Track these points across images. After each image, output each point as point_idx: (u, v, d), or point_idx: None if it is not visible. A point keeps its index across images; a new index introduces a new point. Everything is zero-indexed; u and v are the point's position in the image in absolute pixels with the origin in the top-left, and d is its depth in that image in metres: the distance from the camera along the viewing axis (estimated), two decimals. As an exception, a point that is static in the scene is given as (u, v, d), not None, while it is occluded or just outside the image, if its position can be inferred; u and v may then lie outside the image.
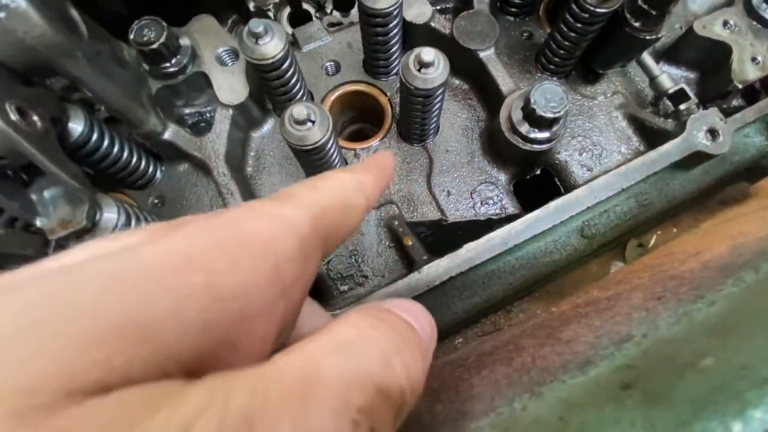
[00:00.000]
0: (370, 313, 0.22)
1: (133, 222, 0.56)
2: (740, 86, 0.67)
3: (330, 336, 0.20)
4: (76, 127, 0.57)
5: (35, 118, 0.46)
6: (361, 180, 0.28)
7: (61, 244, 0.50)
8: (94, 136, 0.59)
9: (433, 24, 0.71)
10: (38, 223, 0.48)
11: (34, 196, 0.48)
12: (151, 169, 0.70)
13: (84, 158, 0.60)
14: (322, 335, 0.20)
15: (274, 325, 0.20)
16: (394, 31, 0.66)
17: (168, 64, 0.66)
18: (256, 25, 0.56)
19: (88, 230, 0.51)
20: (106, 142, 0.61)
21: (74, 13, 0.52)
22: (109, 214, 0.53)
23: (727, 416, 0.19)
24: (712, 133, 0.63)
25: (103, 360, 0.15)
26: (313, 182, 0.26)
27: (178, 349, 0.17)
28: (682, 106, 0.68)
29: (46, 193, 0.49)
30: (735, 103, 0.76)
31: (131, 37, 0.62)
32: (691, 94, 0.68)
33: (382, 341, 0.20)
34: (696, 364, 0.24)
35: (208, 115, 0.74)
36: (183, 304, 0.17)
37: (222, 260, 0.18)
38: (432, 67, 0.56)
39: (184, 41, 0.67)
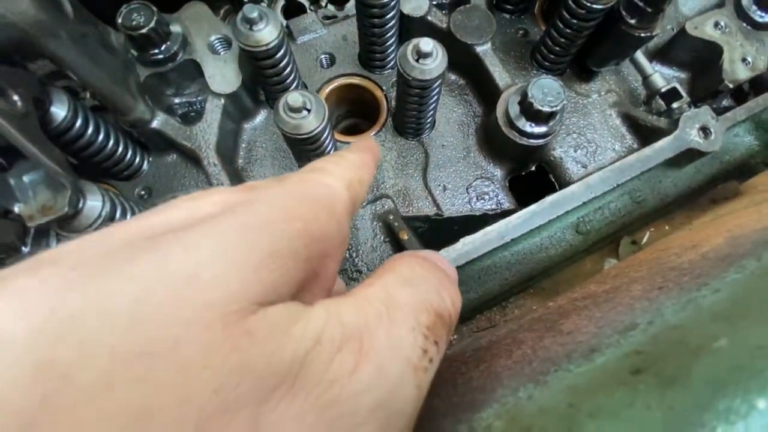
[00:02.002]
0: (415, 259, 0.28)
1: (118, 211, 0.54)
2: (731, 86, 0.68)
3: (395, 274, 0.26)
4: (59, 111, 0.55)
5: (15, 97, 0.44)
6: (364, 158, 0.33)
7: (41, 232, 0.48)
8: (78, 122, 0.57)
9: (430, 18, 0.70)
10: (17, 209, 0.45)
11: (12, 181, 0.46)
12: (137, 159, 0.67)
13: (67, 145, 0.57)
14: (388, 273, 0.26)
15: (337, 265, 0.27)
16: (391, 23, 0.66)
17: (157, 51, 0.64)
18: (251, 10, 0.54)
19: (70, 218, 0.48)
20: (90, 129, 0.59)
21: (60, -8, 0.50)
22: (93, 201, 0.51)
23: (750, 394, 0.18)
24: (705, 131, 0.64)
25: (262, 282, 0.20)
26: (334, 159, 0.31)
27: (294, 276, 0.22)
28: (675, 105, 0.69)
29: (26, 178, 0.46)
30: (725, 103, 0.77)
31: (119, 21, 0.60)
32: (683, 92, 0.68)
33: (433, 279, 0.27)
34: (709, 346, 0.24)
35: (198, 105, 0.72)
36: (295, 243, 0.22)
37: (309, 213, 0.24)
38: (430, 57, 0.56)
39: (175, 28, 0.65)
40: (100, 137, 0.61)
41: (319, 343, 0.20)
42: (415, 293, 0.25)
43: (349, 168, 0.30)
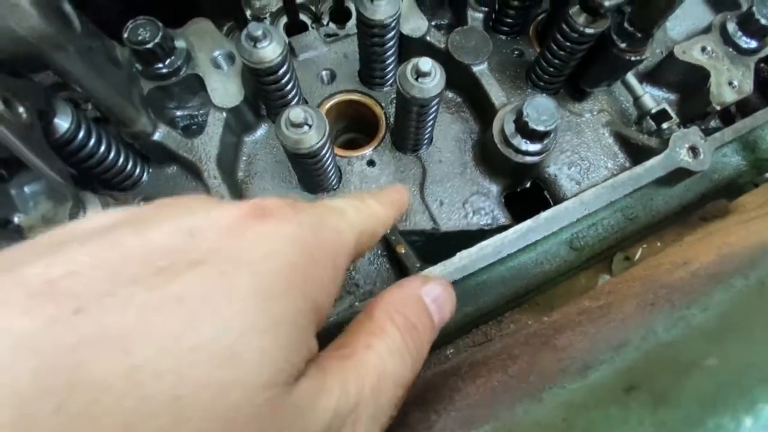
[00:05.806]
0: (408, 315, 0.32)
1: (117, 222, 0.54)
2: (718, 108, 0.70)
3: (387, 341, 0.30)
4: (63, 123, 0.55)
5: (21, 109, 0.44)
6: (389, 214, 0.35)
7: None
8: (81, 134, 0.57)
9: (428, 38, 0.73)
10: (17, 219, 0.46)
11: (13, 191, 0.46)
12: (138, 170, 0.68)
13: (69, 156, 0.58)
14: (381, 340, 0.30)
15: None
16: (391, 43, 0.67)
17: (161, 65, 0.65)
18: (255, 28, 0.56)
19: (70, 229, 0.48)
20: (92, 141, 0.59)
21: (68, 7, 0.51)
22: (93, 213, 0.51)
23: (738, 412, 0.19)
24: (694, 150, 0.66)
25: (291, 361, 0.23)
26: (357, 204, 0.32)
27: (306, 348, 0.24)
28: (664, 125, 0.71)
29: (27, 189, 0.47)
30: (713, 124, 0.80)
31: (125, 35, 0.61)
32: (672, 113, 0.71)
33: (413, 354, 0.31)
34: (699, 363, 0.24)
35: (200, 118, 0.73)
36: (321, 296, 0.25)
37: (324, 262, 0.27)
38: (429, 76, 0.57)
39: (180, 43, 0.66)
40: (102, 149, 0.61)
41: (335, 417, 0.25)
42: (397, 367, 0.29)
43: (368, 219, 0.31)
